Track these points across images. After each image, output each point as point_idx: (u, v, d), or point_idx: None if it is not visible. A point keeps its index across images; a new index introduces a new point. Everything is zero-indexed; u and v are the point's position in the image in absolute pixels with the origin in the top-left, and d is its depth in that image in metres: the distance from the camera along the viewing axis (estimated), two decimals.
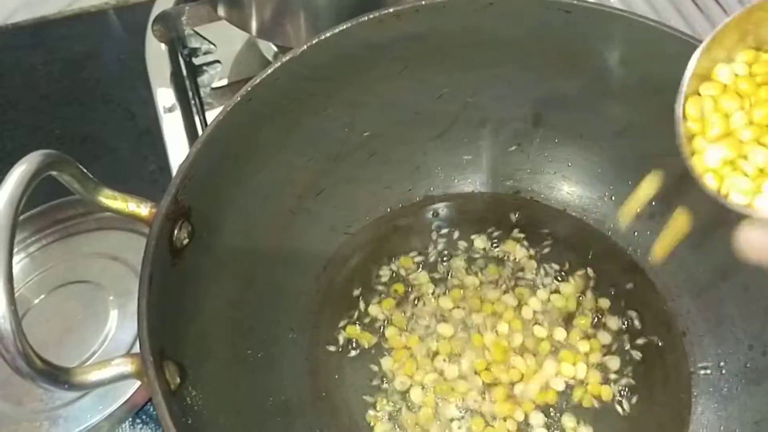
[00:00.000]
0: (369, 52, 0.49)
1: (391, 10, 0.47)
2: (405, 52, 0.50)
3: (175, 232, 0.41)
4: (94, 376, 0.34)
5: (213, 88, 0.72)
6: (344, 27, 0.46)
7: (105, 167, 0.76)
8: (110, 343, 0.62)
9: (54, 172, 0.35)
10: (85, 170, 0.38)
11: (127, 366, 0.35)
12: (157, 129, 0.72)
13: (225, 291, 0.47)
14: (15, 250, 0.69)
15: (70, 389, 0.34)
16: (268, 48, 0.72)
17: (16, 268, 0.71)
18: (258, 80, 0.44)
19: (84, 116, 0.82)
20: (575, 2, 0.47)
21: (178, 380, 0.38)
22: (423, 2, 0.47)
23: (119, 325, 0.63)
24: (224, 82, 0.73)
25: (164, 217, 0.39)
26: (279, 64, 0.45)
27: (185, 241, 0.42)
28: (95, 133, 0.80)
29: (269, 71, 0.44)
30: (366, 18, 0.46)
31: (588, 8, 0.47)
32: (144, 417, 0.60)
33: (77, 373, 0.34)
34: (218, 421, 0.41)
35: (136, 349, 0.60)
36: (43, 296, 0.65)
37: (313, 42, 0.46)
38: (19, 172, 0.33)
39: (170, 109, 0.70)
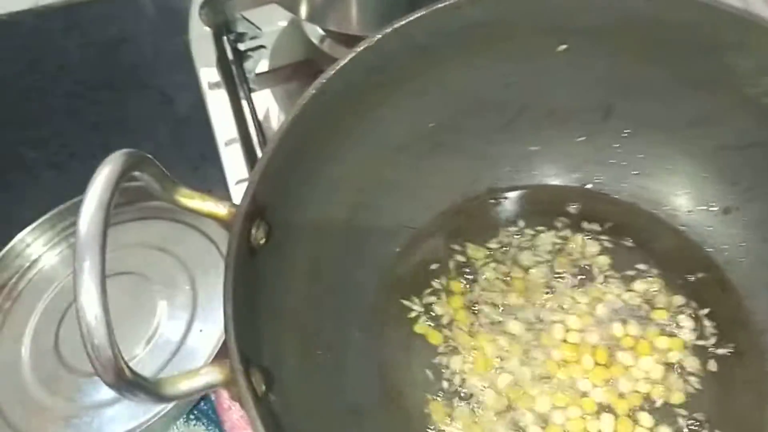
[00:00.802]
0: (438, 40, 0.47)
1: None
2: (474, 40, 0.48)
3: (253, 231, 0.39)
4: (184, 386, 0.33)
5: (258, 74, 0.70)
6: (419, 15, 0.44)
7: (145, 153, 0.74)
8: (160, 336, 0.61)
9: (137, 172, 0.33)
10: (163, 169, 0.36)
11: (215, 375, 0.34)
12: (198, 115, 0.71)
13: (294, 290, 0.45)
14: (56, 240, 0.69)
15: (160, 401, 0.33)
16: (314, 32, 0.70)
17: (57, 259, 0.70)
18: (332, 72, 0.42)
19: (120, 102, 0.80)
20: None
21: (263, 387, 0.36)
22: None
23: (168, 318, 0.62)
24: (265, 66, 0.71)
25: (244, 216, 0.37)
26: (353, 54, 0.43)
27: (262, 241, 0.40)
28: (133, 119, 0.79)
29: (343, 62, 0.43)
30: (441, 5, 0.44)
31: None
32: (197, 413, 0.60)
33: (166, 384, 0.33)
34: (297, 425, 0.40)
35: (188, 342, 0.60)
36: None
37: (387, 31, 0.44)
38: (105, 174, 0.31)
39: (216, 95, 0.68)
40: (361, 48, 0.43)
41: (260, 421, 0.33)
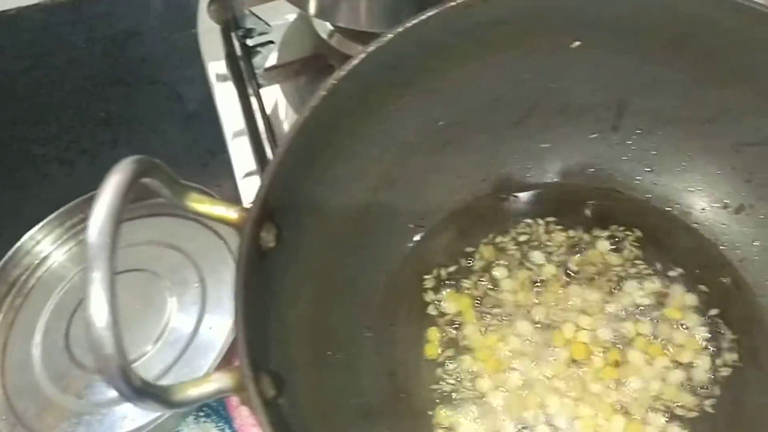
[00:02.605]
0: (450, 37, 0.46)
1: None
2: (486, 37, 0.47)
3: (263, 234, 0.39)
4: (193, 392, 0.33)
5: (266, 69, 0.69)
6: (431, 13, 0.44)
7: (154, 150, 0.74)
8: (170, 333, 0.61)
9: (147, 179, 0.33)
10: (173, 174, 0.36)
11: (226, 381, 0.34)
12: (207, 111, 0.70)
13: (304, 291, 0.45)
14: (65, 237, 0.69)
15: (171, 408, 0.32)
16: (323, 26, 0.69)
17: (65, 257, 0.70)
18: (345, 72, 0.42)
19: (129, 97, 0.80)
20: None
21: (273, 392, 0.36)
22: None
23: (178, 315, 0.62)
24: (274, 61, 0.70)
25: (254, 220, 0.37)
26: (365, 54, 0.42)
27: (271, 244, 0.40)
28: (142, 115, 0.78)
29: (355, 62, 0.42)
30: (454, 3, 0.44)
31: None
32: (207, 410, 0.60)
33: (176, 391, 0.32)
34: (307, 427, 0.40)
35: (198, 339, 0.60)
36: None
37: (399, 30, 0.43)
38: (114, 183, 0.31)
39: (223, 81, 0.67)
40: (373, 48, 0.42)
41: (270, 427, 0.32)
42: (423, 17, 0.43)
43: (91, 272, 0.28)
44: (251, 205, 0.37)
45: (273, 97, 0.69)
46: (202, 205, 0.37)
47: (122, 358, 0.29)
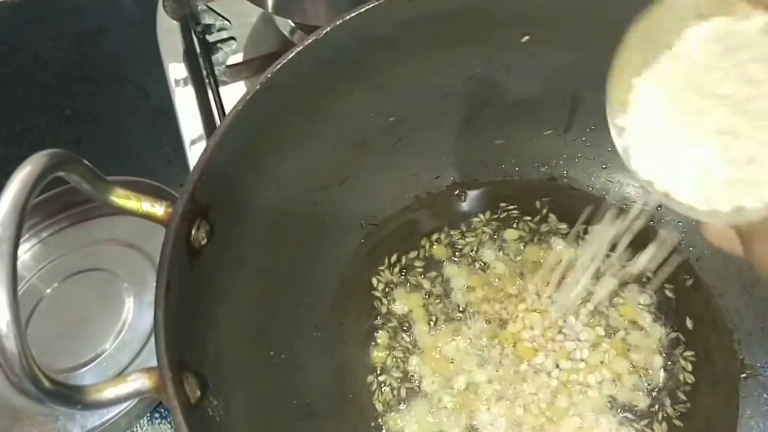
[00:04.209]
0: (397, 32, 0.46)
1: None
2: (435, 32, 0.47)
3: (193, 232, 0.38)
4: (109, 393, 0.32)
5: (228, 66, 0.68)
6: (371, 6, 0.43)
7: (118, 148, 0.73)
8: (126, 333, 0.60)
9: (61, 173, 0.32)
10: (95, 169, 0.35)
11: (144, 381, 0.33)
12: (172, 109, 0.69)
13: (245, 290, 0.44)
14: (27, 236, 0.68)
15: (84, 409, 0.32)
16: (285, 23, 0.68)
17: (28, 255, 0.69)
18: (278, 66, 0.41)
19: (95, 95, 0.79)
20: None
21: (198, 393, 0.35)
22: None
23: (135, 315, 0.61)
24: (239, 59, 0.69)
25: (181, 217, 0.36)
26: (300, 47, 0.41)
27: (203, 242, 0.39)
28: (107, 112, 0.77)
29: (290, 56, 0.41)
30: None
31: None
32: (162, 411, 0.59)
33: (91, 391, 0.32)
34: (241, 428, 0.39)
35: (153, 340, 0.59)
36: (56, 285, 0.64)
37: (337, 23, 0.42)
38: (22, 176, 0.30)
39: (183, 86, 0.66)
40: (309, 41, 0.41)
41: (186, 427, 0.31)
42: (362, 9, 0.42)
43: None
44: (178, 201, 0.36)
45: (236, 95, 0.68)
46: (128, 201, 0.36)
47: (26, 359, 0.28)
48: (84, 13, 0.85)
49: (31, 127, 0.76)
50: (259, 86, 0.40)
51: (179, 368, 0.34)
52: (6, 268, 0.28)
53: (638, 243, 0.51)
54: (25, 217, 0.30)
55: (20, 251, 0.67)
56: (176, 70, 0.67)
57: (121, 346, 0.59)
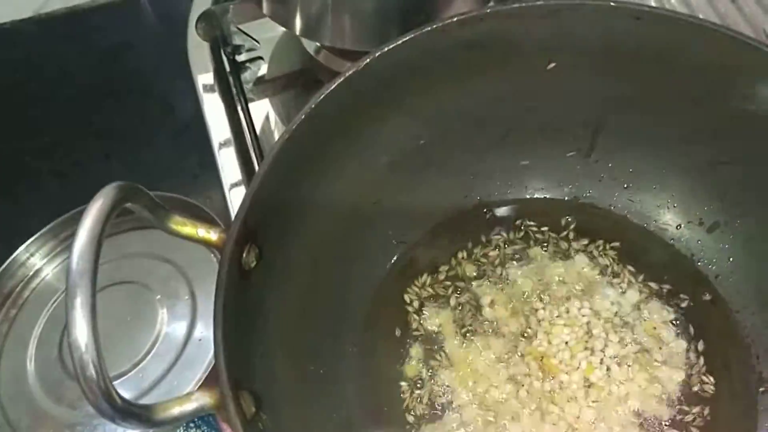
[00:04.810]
0: (430, 60, 0.48)
1: (455, 19, 0.45)
2: (466, 60, 0.49)
3: (244, 255, 0.40)
4: (175, 411, 0.34)
5: (255, 83, 0.70)
6: (408, 37, 0.45)
7: (145, 162, 0.75)
8: (161, 345, 0.62)
9: (129, 204, 0.34)
10: (156, 199, 0.37)
11: (206, 399, 0.35)
12: (198, 124, 0.71)
13: (288, 309, 0.46)
14: (58, 250, 0.69)
15: (153, 427, 0.34)
16: (310, 43, 0.70)
17: (60, 268, 0.71)
18: (322, 96, 0.43)
19: (122, 110, 0.81)
20: (645, 9, 0.45)
21: (253, 409, 0.37)
22: (488, 10, 0.46)
23: (168, 327, 0.63)
24: (265, 76, 0.71)
25: (234, 242, 0.38)
26: (342, 78, 0.43)
27: (253, 264, 0.41)
28: (134, 127, 0.79)
29: (332, 86, 0.43)
30: (430, 27, 0.45)
31: (658, 15, 0.46)
32: (197, 421, 0.60)
33: (159, 410, 0.34)
34: None
35: (187, 353, 0.61)
36: None
37: (376, 54, 0.44)
38: (96, 209, 0.32)
39: (213, 104, 0.68)
40: (350, 72, 0.43)
41: None
42: (400, 42, 0.44)
43: (73, 298, 0.30)
44: (232, 226, 0.38)
45: (263, 110, 0.70)
46: (184, 227, 0.38)
47: (104, 380, 0.31)
48: (109, 29, 0.87)
49: (60, 142, 0.78)
50: (304, 116, 0.42)
51: (236, 386, 0.36)
52: (86, 297, 0.30)
53: (659, 260, 0.54)
54: (101, 248, 0.32)
55: (52, 266, 0.70)
56: (205, 83, 0.69)
57: (154, 359, 0.61)
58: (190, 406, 0.35)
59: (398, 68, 0.47)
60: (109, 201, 0.33)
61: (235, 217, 0.39)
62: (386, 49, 0.45)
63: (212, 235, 0.39)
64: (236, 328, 0.38)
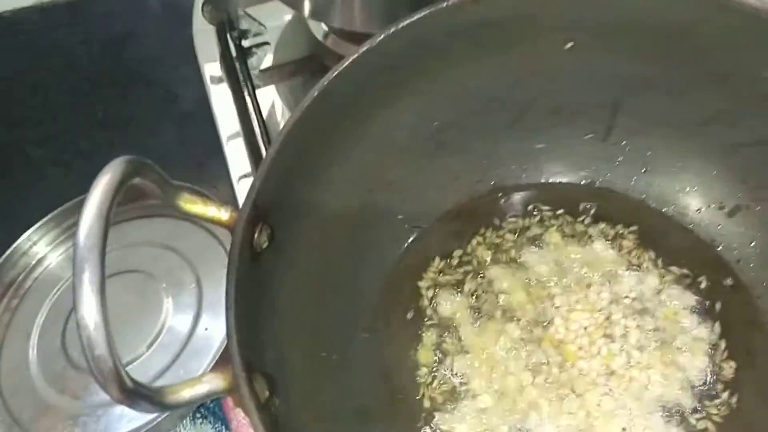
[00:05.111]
0: (446, 39, 0.46)
1: None
2: (479, 38, 0.47)
3: (255, 236, 0.39)
4: (186, 394, 0.33)
5: (261, 70, 0.69)
6: (422, 14, 0.44)
7: (150, 150, 0.73)
8: (166, 334, 0.61)
9: (137, 179, 0.33)
10: (165, 175, 0.36)
11: (218, 382, 0.34)
12: (203, 112, 0.70)
13: (298, 292, 0.45)
14: (62, 238, 0.68)
15: (164, 410, 0.32)
16: (318, 28, 0.69)
17: (63, 257, 0.70)
18: (334, 74, 0.42)
19: (126, 98, 0.80)
20: None
21: (267, 393, 0.36)
22: None
23: (174, 316, 0.62)
24: (272, 62, 0.70)
25: (246, 221, 0.37)
26: (356, 55, 0.42)
27: (264, 245, 0.40)
28: (138, 115, 0.79)
29: (345, 64, 0.42)
30: (444, 4, 0.44)
31: None
32: (203, 411, 0.60)
33: (169, 392, 0.32)
34: (302, 428, 0.40)
35: (193, 343, 0.60)
36: None
37: (390, 31, 0.43)
38: (104, 183, 0.31)
39: (220, 91, 0.67)
40: (364, 49, 0.42)
41: (263, 428, 0.32)
42: (413, 18, 0.43)
43: (81, 274, 0.28)
44: (242, 206, 0.37)
45: (269, 97, 0.69)
46: (194, 205, 0.37)
47: (114, 360, 0.29)
48: (113, 17, 0.86)
49: (65, 131, 0.77)
50: (316, 93, 0.41)
51: (248, 368, 0.35)
52: (95, 275, 0.29)
53: (678, 245, 0.53)
54: (110, 224, 0.30)
55: (55, 255, 0.69)
56: (212, 71, 0.67)
57: (159, 348, 0.60)
58: (201, 389, 0.33)
59: (412, 47, 0.45)
60: (118, 175, 0.31)
61: (247, 195, 0.38)
62: (400, 26, 0.43)
63: (223, 215, 0.37)
64: (247, 311, 0.37)
